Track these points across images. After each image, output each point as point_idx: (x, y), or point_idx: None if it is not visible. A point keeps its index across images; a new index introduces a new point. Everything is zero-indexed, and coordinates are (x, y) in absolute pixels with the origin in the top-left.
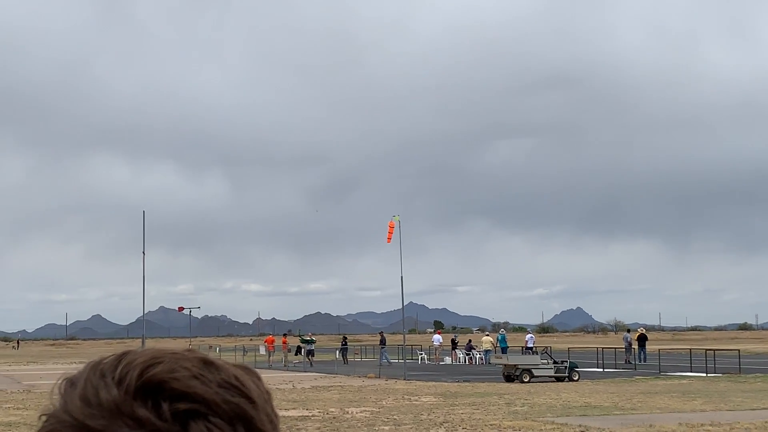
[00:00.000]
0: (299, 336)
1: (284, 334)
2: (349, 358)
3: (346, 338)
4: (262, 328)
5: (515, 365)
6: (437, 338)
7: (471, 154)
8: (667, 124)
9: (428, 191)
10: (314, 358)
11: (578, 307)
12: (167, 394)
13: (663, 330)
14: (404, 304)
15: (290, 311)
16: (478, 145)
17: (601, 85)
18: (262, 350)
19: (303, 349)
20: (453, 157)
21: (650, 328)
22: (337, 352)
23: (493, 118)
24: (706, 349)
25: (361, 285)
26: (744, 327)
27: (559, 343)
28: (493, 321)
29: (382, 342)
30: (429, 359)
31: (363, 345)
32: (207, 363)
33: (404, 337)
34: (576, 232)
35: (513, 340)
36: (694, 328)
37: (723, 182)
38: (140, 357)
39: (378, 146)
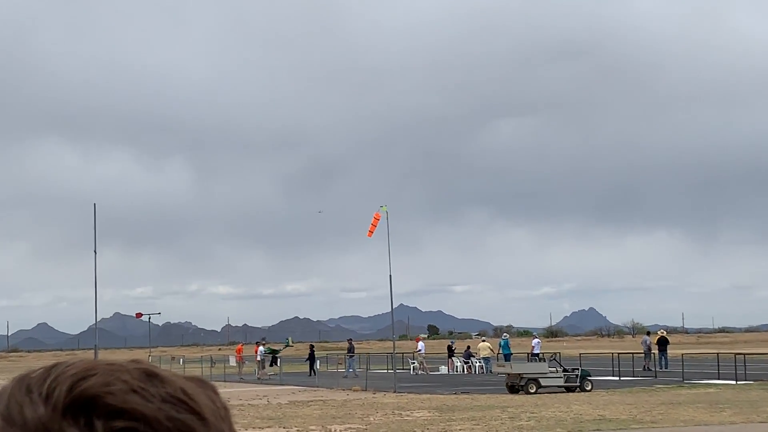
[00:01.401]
0: (263, 344)
1: (257, 343)
2: (333, 369)
3: (313, 347)
4: (233, 335)
5: (520, 374)
6: (420, 346)
7: (469, 136)
8: (692, 99)
9: (421, 178)
10: (285, 371)
11: (591, 308)
12: (101, 410)
13: (687, 332)
14: (393, 306)
15: (264, 316)
16: (477, 125)
17: (615, 56)
18: (232, 361)
19: (279, 359)
20: (449, 139)
21: (672, 330)
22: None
23: (494, 95)
24: (736, 354)
25: (345, 286)
26: None
27: (569, 348)
28: (495, 325)
29: (350, 350)
30: (414, 371)
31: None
32: (150, 375)
33: (394, 344)
34: (588, 222)
35: (517, 346)
36: (722, 330)
37: (756, 164)
38: (71, 369)
39: (364, 128)
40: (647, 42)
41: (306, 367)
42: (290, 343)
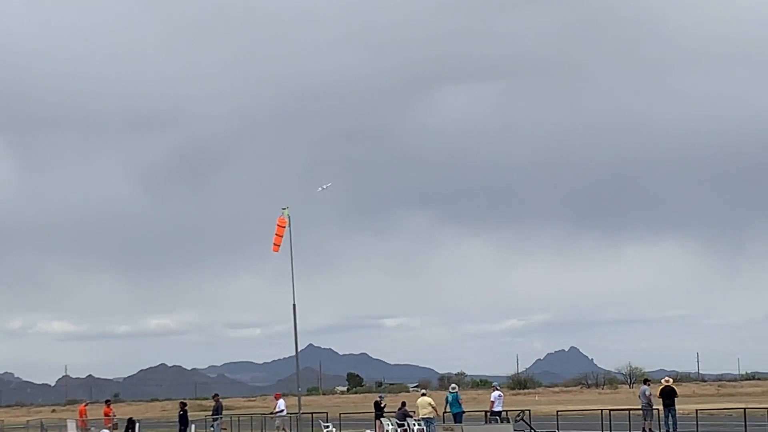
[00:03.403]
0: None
1: (107, 402)
2: None
3: (184, 405)
4: (72, 392)
5: None
6: (280, 405)
7: (404, 111)
8: (708, 59)
9: (336, 170)
10: None
11: (572, 348)
12: None
13: (704, 380)
14: (299, 348)
15: (118, 364)
16: (416, 95)
17: (605, 3)
18: (72, 427)
19: (138, 424)
20: (377, 114)
21: (684, 377)
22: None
23: (440, 54)
24: None
25: (231, 320)
26: None
27: (543, 404)
28: (441, 372)
29: (216, 410)
30: None
31: (234, 414)
32: None
33: (299, 400)
34: (569, 230)
35: (471, 401)
36: (752, 376)
37: None
38: None
39: (257, 101)
40: None
41: None
42: None
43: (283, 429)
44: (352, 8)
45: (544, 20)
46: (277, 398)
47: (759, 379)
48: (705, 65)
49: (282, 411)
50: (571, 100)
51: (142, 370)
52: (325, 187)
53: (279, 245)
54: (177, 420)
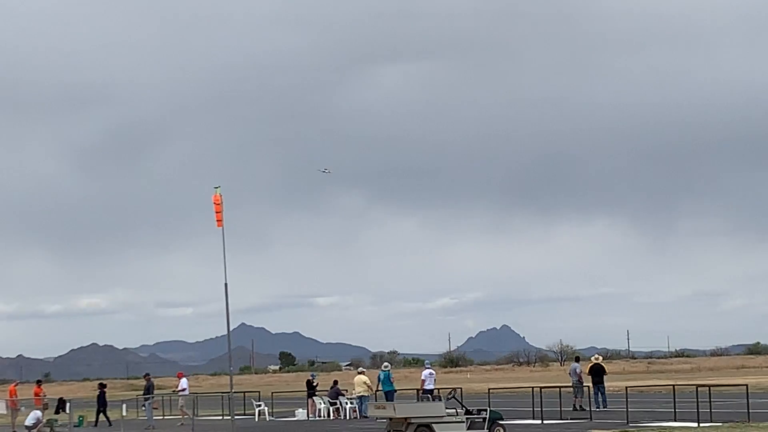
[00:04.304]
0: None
1: (38, 382)
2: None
3: (103, 386)
4: (2, 372)
5: (405, 419)
6: (183, 384)
7: (337, 90)
8: (641, 37)
9: (269, 149)
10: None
11: (504, 326)
12: None
13: (634, 357)
14: (231, 327)
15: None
16: (349, 74)
17: None
18: (1, 407)
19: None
20: (310, 94)
21: (615, 355)
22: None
23: (373, 33)
24: (698, 385)
25: (162, 299)
26: (755, 350)
27: (474, 381)
28: (373, 351)
29: (147, 390)
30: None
31: (166, 394)
32: None
33: (231, 379)
34: (501, 208)
35: (403, 380)
36: (681, 353)
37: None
38: None
39: (191, 81)
40: None
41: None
42: None
43: (182, 408)
44: None
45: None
46: (179, 377)
47: (688, 356)
48: (637, 43)
49: (184, 390)
50: (502, 79)
51: (73, 350)
52: (326, 170)
53: (221, 221)
54: (97, 399)
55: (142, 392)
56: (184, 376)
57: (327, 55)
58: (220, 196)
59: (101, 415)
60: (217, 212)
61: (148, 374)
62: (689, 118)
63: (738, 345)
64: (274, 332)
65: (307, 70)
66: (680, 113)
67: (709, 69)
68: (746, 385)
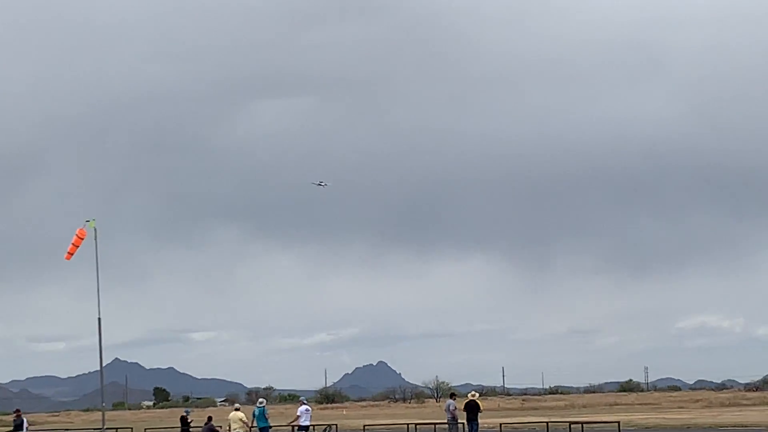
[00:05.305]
0: None
1: None
2: None
3: None
4: None
5: None
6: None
7: (219, 123)
8: (519, 79)
9: (149, 181)
10: None
11: (381, 362)
12: None
13: (509, 394)
14: (105, 362)
15: None
16: (229, 107)
17: (419, 15)
18: None
19: None
20: (190, 127)
21: (490, 391)
22: None
23: (255, 67)
24: (571, 422)
25: (33, 333)
26: (627, 387)
27: (351, 418)
28: (249, 387)
29: (17, 426)
30: None
31: (37, 430)
32: None
33: (103, 416)
34: (378, 243)
35: (279, 416)
36: (555, 390)
37: (600, 165)
38: None
39: (66, 111)
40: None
41: None
42: None
43: None
44: (163, 19)
45: (355, 35)
46: (17, 415)
47: (562, 392)
48: (516, 82)
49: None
50: (382, 115)
51: None
52: (323, 183)
53: (72, 254)
54: None
55: (11, 429)
56: (23, 415)
57: (209, 89)
58: (91, 230)
59: None
60: (73, 245)
61: (18, 410)
62: (565, 155)
63: (611, 382)
64: (148, 367)
65: (187, 103)
66: (557, 150)
67: (586, 107)
68: (618, 422)
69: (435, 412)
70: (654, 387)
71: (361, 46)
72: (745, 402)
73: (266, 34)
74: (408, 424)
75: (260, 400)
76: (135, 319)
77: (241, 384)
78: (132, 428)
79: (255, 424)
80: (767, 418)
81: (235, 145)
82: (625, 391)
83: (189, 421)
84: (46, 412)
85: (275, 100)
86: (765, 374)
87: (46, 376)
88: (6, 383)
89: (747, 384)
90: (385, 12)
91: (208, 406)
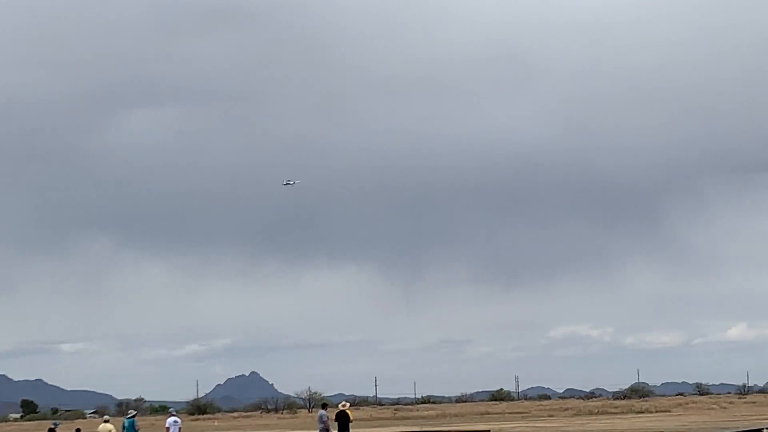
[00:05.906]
0: None
1: None
2: None
3: None
4: None
5: None
6: None
7: (88, 132)
8: (391, 88)
9: (18, 191)
10: None
11: (253, 373)
12: None
13: (381, 404)
14: None
15: None
16: (99, 116)
17: (291, 27)
18: None
19: None
20: (61, 135)
21: (362, 401)
22: None
23: (126, 76)
24: None
25: None
26: (498, 396)
27: (222, 429)
28: (119, 398)
29: None
30: None
31: None
32: None
33: None
34: (251, 254)
35: (149, 428)
36: (427, 400)
37: (471, 175)
38: None
39: None
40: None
41: None
42: None
43: None
44: (34, 27)
45: (227, 46)
46: None
47: (434, 402)
48: (386, 94)
49: None
50: (252, 126)
51: None
52: (290, 182)
53: None
54: None
55: None
56: None
57: (77, 98)
58: None
59: None
60: None
61: None
62: (438, 165)
63: (482, 391)
64: (16, 379)
65: (59, 112)
66: (429, 161)
67: (463, 119)
68: (488, 431)
69: (307, 423)
70: (524, 396)
71: (232, 57)
72: (613, 410)
73: (138, 44)
74: None
75: (130, 411)
76: (2, 331)
77: (111, 395)
78: None
79: None
80: (634, 426)
81: (106, 154)
82: (496, 400)
83: None
84: None
85: (146, 109)
86: (633, 383)
87: None
88: None
89: (615, 392)
90: (257, 24)
91: (77, 418)
